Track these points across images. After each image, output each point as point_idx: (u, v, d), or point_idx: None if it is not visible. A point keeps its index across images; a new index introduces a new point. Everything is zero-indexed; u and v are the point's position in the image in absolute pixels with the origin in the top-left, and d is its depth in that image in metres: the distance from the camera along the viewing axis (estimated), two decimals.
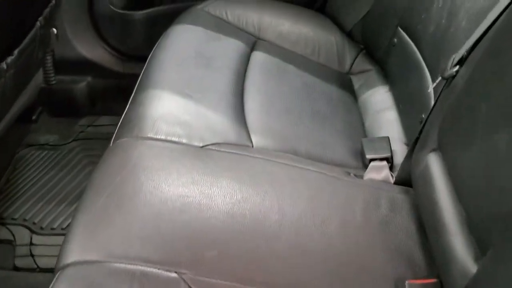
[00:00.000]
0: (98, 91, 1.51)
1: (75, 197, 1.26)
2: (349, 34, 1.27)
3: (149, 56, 1.08)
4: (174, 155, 0.76)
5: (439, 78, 0.81)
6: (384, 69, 1.18)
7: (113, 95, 1.51)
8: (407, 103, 1.01)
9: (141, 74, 1.02)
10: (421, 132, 0.82)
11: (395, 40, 1.11)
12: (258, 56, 1.13)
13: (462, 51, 0.77)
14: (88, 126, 1.49)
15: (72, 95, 1.48)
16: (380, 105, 1.09)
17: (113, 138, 0.83)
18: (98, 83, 1.50)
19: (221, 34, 1.14)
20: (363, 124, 1.07)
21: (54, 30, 1.36)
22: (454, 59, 0.80)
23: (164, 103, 0.88)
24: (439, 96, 0.79)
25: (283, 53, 1.17)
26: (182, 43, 1.08)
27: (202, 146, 0.80)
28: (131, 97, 0.95)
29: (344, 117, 1.05)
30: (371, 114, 1.09)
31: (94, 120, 1.51)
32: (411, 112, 0.97)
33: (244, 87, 1.02)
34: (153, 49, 1.10)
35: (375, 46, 1.19)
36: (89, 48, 1.45)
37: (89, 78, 1.50)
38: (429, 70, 0.95)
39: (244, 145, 0.85)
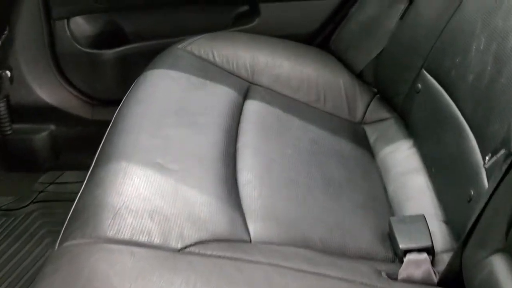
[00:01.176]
0: (62, 142, 1.28)
1: (30, 278, 1.03)
2: (359, 75, 1.07)
3: (117, 110, 0.87)
4: (142, 267, 0.54)
5: (502, 152, 0.60)
6: (405, 118, 0.97)
7: (79, 146, 1.28)
8: (442, 168, 0.81)
9: (105, 136, 0.80)
10: (476, 222, 0.60)
11: (419, 85, 0.91)
12: (252, 107, 0.92)
13: None
14: (50, 183, 1.26)
15: (32, 147, 1.25)
16: (405, 166, 0.89)
17: (59, 239, 0.60)
18: (62, 132, 1.28)
19: (207, 80, 0.93)
20: (385, 189, 0.86)
21: (8, 72, 1.15)
22: None
23: (130, 182, 0.65)
24: (503, 178, 0.57)
25: (283, 101, 0.96)
26: (159, 93, 0.87)
27: (181, 249, 0.58)
28: (89, 172, 0.73)
29: (362, 183, 0.84)
30: (394, 176, 0.88)
31: (57, 176, 1.28)
32: (452, 182, 0.76)
33: (237, 148, 0.81)
34: (123, 100, 0.88)
35: (393, 91, 0.99)
36: (51, 92, 1.23)
37: (51, 127, 1.27)
38: (472, 129, 0.74)
39: (239, 241, 0.63)
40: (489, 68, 0.74)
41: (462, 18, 0.83)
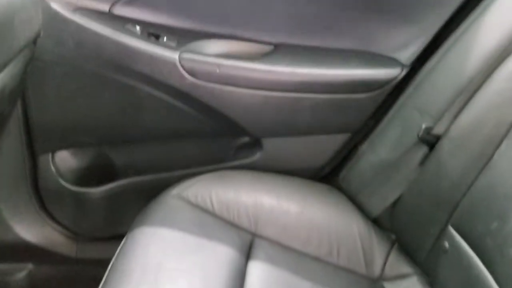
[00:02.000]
0: (42, 283, 1.14)
1: None
2: (375, 221, 0.96)
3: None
4: None
5: None
6: (429, 276, 0.85)
7: (62, 287, 1.15)
8: None
9: None
10: None
11: (446, 244, 0.80)
12: (256, 271, 0.80)
13: None
14: None
15: None
16: None
17: None
18: (43, 272, 1.14)
19: (204, 239, 0.81)
20: None
21: None
22: None
23: None
24: None
25: (291, 259, 0.85)
26: (149, 262, 0.75)
27: None
28: None
29: None
30: None
31: None
32: None
33: None
34: (106, 273, 0.76)
35: (414, 244, 0.87)
36: (32, 229, 1.11)
37: (30, 266, 1.14)
38: None
39: None
40: None
41: (495, 177, 0.73)
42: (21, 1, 0.59)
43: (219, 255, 0.80)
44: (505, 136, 0.74)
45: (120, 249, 0.80)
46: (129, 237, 0.82)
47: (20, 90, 0.72)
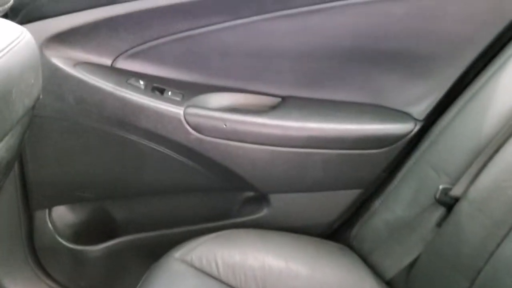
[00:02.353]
0: None
1: None
2: (389, 283, 0.91)
3: None
4: None
5: None
6: None
7: None
8: None
9: None
10: None
11: None
12: None
13: None
14: None
15: None
16: None
17: None
18: None
19: None
20: None
21: None
22: None
23: None
24: None
25: None
26: None
27: None
28: None
29: None
30: None
31: None
32: None
33: None
34: None
35: None
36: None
37: None
38: None
39: None
40: None
41: None
42: (20, 72, 0.56)
43: None
44: None
45: None
46: None
47: (16, 159, 0.68)
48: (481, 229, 0.74)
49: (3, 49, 0.54)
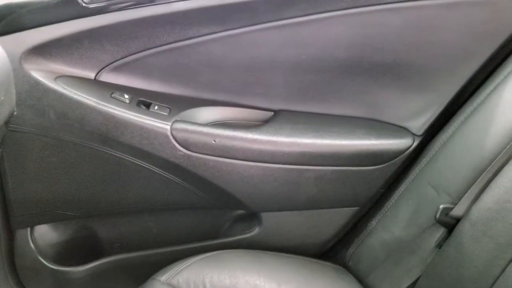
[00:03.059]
0: None
1: None
2: None
3: None
4: None
5: None
6: None
7: None
8: None
9: None
10: None
11: None
12: None
13: None
14: None
15: None
16: None
17: None
18: None
19: None
20: None
21: None
22: None
23: None
24: None
25: None
26: None
27: None
28: None
29: None
30: None
31: None
32: None
33: None
34: None
35: None
36: None
37: None
38: None
39: None
40: None
41: None
42: None
43: None
44: None
45: None
46: None
47: None
48: (485, 252, 0.70)
49: None
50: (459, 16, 0.80)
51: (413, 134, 0.89)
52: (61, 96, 0.81)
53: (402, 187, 0.88)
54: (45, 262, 0.97)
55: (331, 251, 1.01)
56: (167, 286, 0.81)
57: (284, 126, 0.88)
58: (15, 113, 0.64)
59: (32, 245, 0.97)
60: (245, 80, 0.89)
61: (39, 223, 0.97)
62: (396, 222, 0.86)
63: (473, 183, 0.74)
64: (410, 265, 0.82)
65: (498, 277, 0.68)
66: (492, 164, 0.73)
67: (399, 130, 0.89)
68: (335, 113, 0.92)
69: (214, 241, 0.97)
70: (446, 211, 0.76)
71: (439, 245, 0.78)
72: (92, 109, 0.82)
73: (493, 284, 0.69)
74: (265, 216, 0.95)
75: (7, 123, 0.62)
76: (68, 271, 0.97)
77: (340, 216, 0.94)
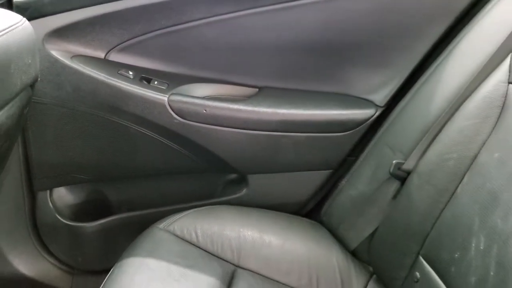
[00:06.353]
0: None
1: None
2: (354, 253, 1.00)
3: None
4: None
5: None
6: None
7: None
8: None
9: None
10: None
11: (417, 274, 0.84)
12: None
13: None
14: None
15: None
16: None
17: None
18: None
19: (188, 269, 0.86)
20: None
21: None
22: None
23: None
24: None
25: None
26: (134, 286, 0.80)
27: None
28: None
29: None
30: None
31: None
32: None
33: None
34: None
35: (390, 274, 0.91)
36: (29, 263, 1.16)
37: None
38: None
39: None
40: (492, 273, 0.67)
41: (458, 210, 0.78)
42: (17, 51, 0.67)
43: (201, 283, 0.84)
44: (467, 170, 0.79)
45: (107, 279, 0.84)
46: (117, 267, 0.86)
47: (17, 130, 0.79)
48: (427, 198, 0.84)
49: (2, 30, 0.65)
50: (412, 2, 0.94)
51: (376, 106, 1.03)
52: (76, 72, 0.96)
53: (366, 151, 1.02)
54: (62, 219, 1.12)
55: (310, 212, 1.15)
56: (164, 232, 0.96)
57: (266, 99, 1.03)
58: (38, 78, 0.79)
59: (51, 205, 1.12)
60: (233, 60, 1.03)
61: (57, 186, 1.12)
62: (361, 180, 1.00)
63: (420, 141, 0.88)
64: (371, 216, 0.96)
65: (438, 217, 0.82)
66: (434, 125, 0.86)
67: (364, 102, 1.03)
68: (311, 89, 1.06)
69: (208, 200, 1.12)
70: (398, 165, 0.90)
71: (394, 197, 0.92)
72: (102, 83, 0.97)
73: (434, 223, 0.82)
74: (251, 178, 1.09)
75: (32, 86, 0.77)
76: (82, 226, 1.13)
77: (315, 178, 1.08)
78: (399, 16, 0.95)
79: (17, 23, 0.70)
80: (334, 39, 0.99)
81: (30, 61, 0.71)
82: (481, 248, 0.70)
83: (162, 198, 1.14)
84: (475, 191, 0.75)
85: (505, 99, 0.77)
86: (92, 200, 1.16)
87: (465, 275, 0.72)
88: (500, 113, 0.77)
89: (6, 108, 0.66)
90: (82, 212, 1.15)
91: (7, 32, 0.65)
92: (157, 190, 1.15)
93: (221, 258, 0.93)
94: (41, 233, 1.15)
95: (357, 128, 1.02)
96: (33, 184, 1.10)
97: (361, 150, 1.03)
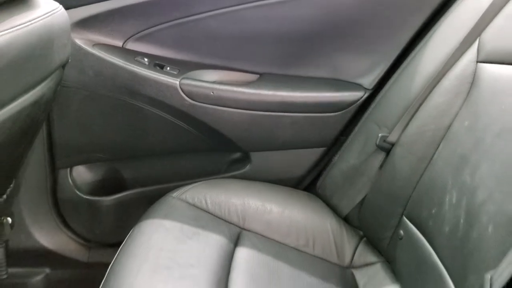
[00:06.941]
0: (56, 285, 1.29)
1: None
2: (346, 219, 1.12)
3: (110, 265, 0.90)
4: None
5: None
6: (391, 263, 1.01)
7: None
8: None
9: None
10: None
11: (401, 232, 0.96)
12: (243, 255, 0.95)
13: (504, 275, 0.61)
14: None
15: None
16: None
17: None
18: (58, 276, 1.30)
19: (199, 229, 0.98)
20: None
21: (9, 218, 1.20)
22: (492, 281, 0.64)
23: None
24: None
25: (273, 247, 1.01)
26: (152, 247, 0.91)
27: None
28: None
29: None
30: None
31: None
32: None
33: None
34: (117, 253, 0.92)
35: (377, 236, 1.03)
36: (50, 236, 1.27)
37: (47, 270, 1.29)
38: (452, 279, 0.78)
39: None
40: (461, 221, 0.79)
41: (434, 173, 0.90)
42: (58, 30, 0.79)
43: (211, 241, 0.96)
44: (442, 139, 0.91)
45: (128, 237, 0.96)
46: (136, 228, 0.98)
47: (52, 103, 0.90)
48: (409, 166, 0.96)
49: (49, 11, 0.77)
50: None
51: (365, 88, 1.15)
52: (97, 59, 1.08)
53: (356, 129, 1.14)
54: (81, 194, 1.24)
55: (307, 187, 1.27)
56: (177, 200, 1.07)
57: (267, 84, 1.15)
58: (69, 60, 0.91)
59: (71, 182, 1.23)
60: (237, 49, 1.15)
61: (76, 164, 1.24)
62: (351, 154, 1.12)
63: (402, 116, 1.00)
64: (360, 185, 1.08)
65: (418, 181, 0.94)
66: (415, 102, 0.98)
67: (354, 85, 1.15)
68: (306, 75, 1.18)
69: (214, 176, 1.23)
70: (383, 138, 1.02)
71: (381, 167, 1.04)
72: (121, 69, 1.08)
73: (415, 187, 0.94)
74: (253, 155, 1.21)
75: (63, 66, 0.89)
76: (99, 200, 1.24)
77: (312, 155, 1.20)
78: (384, 9, 1.07)
79: (57, 8, 0.82)
80: (327, 29, 1.11)
81: (66, 41, 0.82)
82: (454, 202, 0.82)
83: (173, 174, 1.26)
84: (449, 156, 0.87)
85: (474, 76, 0.89)
86: (108, 177, 1.27)
87: (440, 226, 0.83)
88: (470, 88, 0.89)
89: (47, 80, 0.77)
90: (99, 188, 1.27)
91: (51, 14, 0.77)
92: (168, 167, 1.27)
93: (228, 222, 1.05)
94: (61, 208, 1.27)
95: (348, 109, 1.14)
96: (55, 163, 1.21)
97: (351, 129, 1.16)
